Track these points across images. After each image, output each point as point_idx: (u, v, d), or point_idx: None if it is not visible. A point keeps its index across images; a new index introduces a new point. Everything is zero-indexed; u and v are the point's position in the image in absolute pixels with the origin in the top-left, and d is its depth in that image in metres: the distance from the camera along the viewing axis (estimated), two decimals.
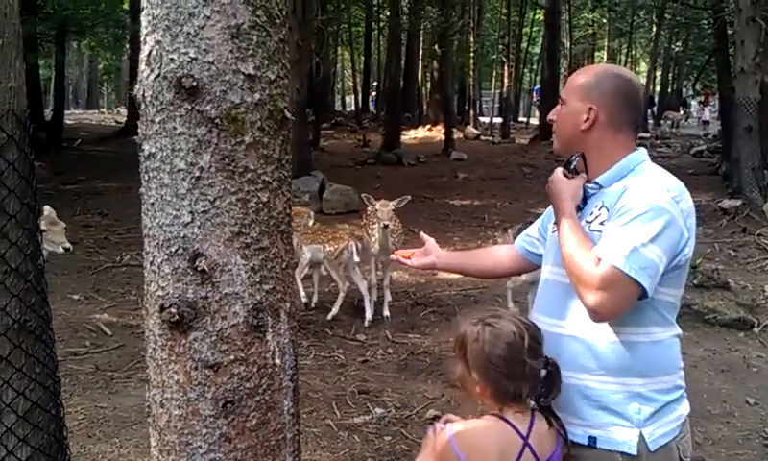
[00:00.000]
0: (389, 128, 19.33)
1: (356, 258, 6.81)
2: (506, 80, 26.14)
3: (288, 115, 1.96)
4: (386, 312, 6.75)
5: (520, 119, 35.19)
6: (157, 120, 1.79)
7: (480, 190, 14.67)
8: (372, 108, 33.61)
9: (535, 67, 36.84)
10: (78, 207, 10.88)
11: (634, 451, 1.96)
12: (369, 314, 6.73)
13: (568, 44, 33.81)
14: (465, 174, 16.44)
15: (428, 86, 31.31)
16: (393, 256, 2.63)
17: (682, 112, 33.52)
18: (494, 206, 13.06)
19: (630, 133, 2.09)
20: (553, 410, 1.94)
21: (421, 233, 2.59)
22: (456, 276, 7.93)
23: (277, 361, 1.91)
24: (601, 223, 1.99)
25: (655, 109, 34.09)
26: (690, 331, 6.40)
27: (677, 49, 36.48)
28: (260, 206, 1.85)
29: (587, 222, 2.05)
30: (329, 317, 6.81)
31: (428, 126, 24.51)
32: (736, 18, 12.50)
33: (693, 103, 38.58)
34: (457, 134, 23.23)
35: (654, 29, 30.28)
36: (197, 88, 1.75)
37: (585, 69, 2.20)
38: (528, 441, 1.88)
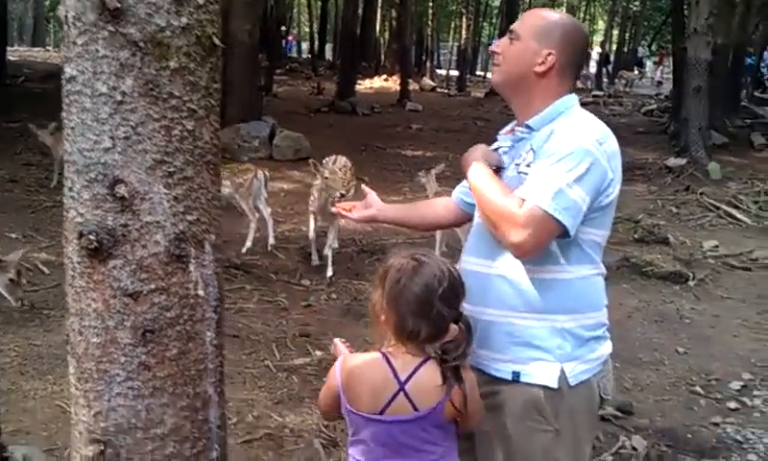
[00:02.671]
0: (343, 76, 19.10)
1: (264, 189, 6.90)
2: (464, 32, 26.00)
3: (217, 42, 1.90)
4: (329, 273, 6.65)
5: (478, 73, 35.11)
6: (80, 42, 1.73)
7: (433, 142, 14.66)
8: (328, 55, 33.18)
9: (494, 21, 36.71)
10: (20, 146, 10.55)
11: (554, 385, 2.01)
12: (315, 257, 6.79)
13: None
14: (418, 125, 16.40)
15: (387, 36, 31.00)
16: (333, 209, 2.64)
17: (637, 72, 33.87)
18: (446, 158, 12.96)
19: (571, 79, 2.12)
20: (461, 373, 1.90)
21: (363, 186, 2.60)
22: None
23: (200, 292, 1.89)
24: (528, 165, 2.01)
25: (610, 67, 34.31)
26: (627, 283, 6.59)
27: (635, 8, 36.68)
28: (185, 134, 1.81)
29: (515, 164, 2.07)
30: (243, 250, 6.87)
31: (384, 76, 24.37)
32: None
33: (649, 63, 39.01)
34: (413, 86, 23.13)
35: None
36: (121, 10, 1.68)
37: (545, 11, 2.20)
38: (404, 386, 1.88)
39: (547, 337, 2.02)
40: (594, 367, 2.08)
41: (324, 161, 6.62)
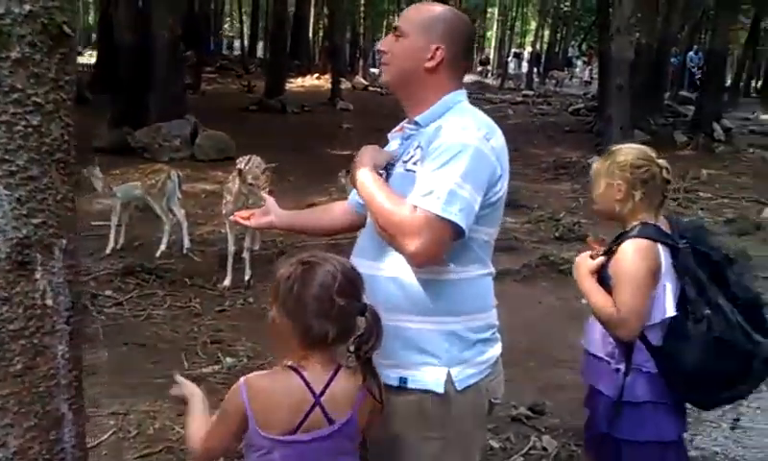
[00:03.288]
0: (273, 74, 18.85)
1: (178, 190, 6.72)
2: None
3: (68, 31, 1.75)
4: (247, 276, 6.41)
5: None
6: None
7: (363, 141, 14.34)
8: (260, 53, 32.75)
9: None
10: None
11: (441, 390, 1.94)
12: (227, 281, 6.31)
13: None
14: (349, 124, 16.29)
15: (321, 35, 30.82)
16: (231, 218, 2.55)
17: (566, 72, 34.53)
18: None
19: (461, 74, 2.08)
20: (373, 367, 1.84)
21: (263, 193, 2.52)
22: None
23: (49, 302, 1.74)
24: (415, 163, 1.96)
25: (541, 67, 34.89)
26: (546, 281, 6.61)
27: (565, 9, 37.39)
28: (29, 130, 1.67)
29: (403, 162, 2.01)
30: (157, 254, 6.65)
31: (317, 75, 24.18)
32: None
33: (578, 63, 39.84)
34: (346, 85, 23.04)
35: None
36: None
37: (427, 5, 2.13)
38: (320, 399, 1.79)
39: (434, 340, 1.96)
40: (483, 370, 2.03)
41: (237, 161, 6.40)
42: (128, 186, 6.72)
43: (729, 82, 27.03)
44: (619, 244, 2.45)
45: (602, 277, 2.49)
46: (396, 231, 1.87)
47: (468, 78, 32.04)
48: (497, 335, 2.11)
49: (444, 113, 2.00)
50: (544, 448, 3.90)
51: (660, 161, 2.49)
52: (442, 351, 1.95)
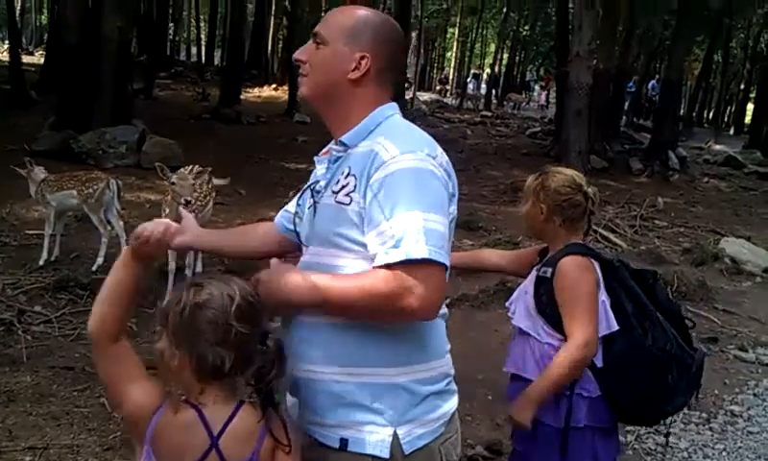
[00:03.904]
0: (228, 82, 18.42)
1: (116, 200, 6.36)
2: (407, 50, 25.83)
3: None
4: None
5: None
6: None
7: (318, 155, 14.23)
8: (218, 61, 32.24)
9: None
10: None
11: (386, 454, 1.67)
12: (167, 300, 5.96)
13: (421, 17, 33.98)
14: (305, 137, 15.93)
15: (280, 45, 30.44)
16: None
17: (524, 95, 34.82)
18: None
19: (390, 86, 1.81)
20: (275, 401, 1.64)
21: (180, 208, 2.25)
22: None
23: None
24: (348, 194, 1.68)
25: (499, 89, 35.10)
26: (503, 308, 6.33)
27: (525, 33, 37.76)
28: None
29: (333, 192, 1.72)
30: (94, 268, 6.20)
31: (274, 85, 23.78)
32: (576, 2, 12.82)
33: (536, 87, 40.25)
34: None
35: (504, 10, 31.15)
36: None
37: (350, 9, 1.86)
38: (218, 442, 1.57)
39: (378, 396, 1.69)
40: (436, 429, 1.76)
41: (179, 172, 5.97)
42: (63, 195, 6.28)
43: (682, 112, 27.59)
44: (547, 265, 2.44)
45: (541, 305, 2.44)
46: (387, 302, 1.59)
47: (428, 96, 32.35)
48: (453, 386, 1.85)
49: (375, 129, 1.74)
50: None
51: (589, 190, 2.48)
52: (386, 407, 1.70)
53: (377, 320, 1.65)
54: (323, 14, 24.13)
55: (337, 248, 1.71)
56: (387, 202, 1.60)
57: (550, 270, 2.42)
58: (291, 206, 2.05)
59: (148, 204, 8.96)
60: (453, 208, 1.73)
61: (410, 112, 22.25)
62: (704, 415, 4.62)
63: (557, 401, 2.41)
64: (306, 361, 1.73)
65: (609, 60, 15.48)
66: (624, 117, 25.07)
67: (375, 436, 1.68)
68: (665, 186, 13.98)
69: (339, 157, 1.77)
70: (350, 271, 1.67)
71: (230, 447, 1.60)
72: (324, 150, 1.87)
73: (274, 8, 28.03)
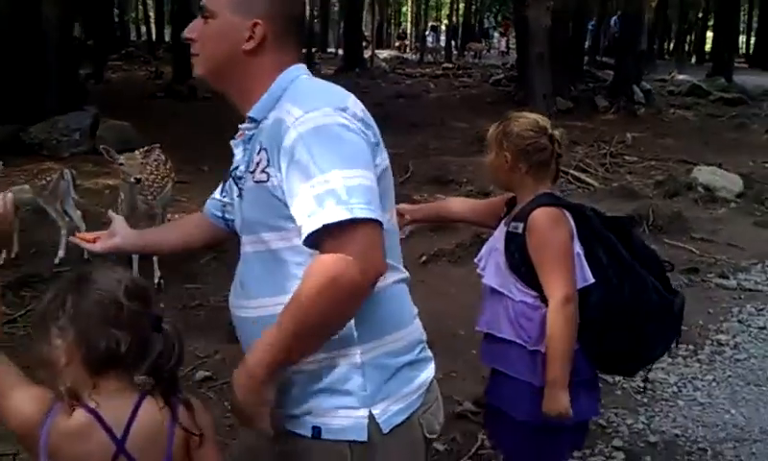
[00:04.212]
0: (179, 57, 17.82)
1: (72, 190, 6.10)
2: (307, 7, 25.32)
3: None
4: (156, 278, 5.75)
5: (329, 50, 34.54)
6: None
7: None
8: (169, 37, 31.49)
9: None
10: None
11: (363, 437, 1.54)
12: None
13: None
14: None
15: None
16: (72, 239, 2.10)
17: (484, 44, 34.54)
18: None
19: (294, 49, 1.65)
20: (178, 390, 1.52)
21: (110, 212, 2.10)
22: None
23: None
24: (263, 170, 1.52)
25: (458, 40, 34.79)
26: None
27: None
28: None
29: (250, 173, 1.57)
30: (56, 261, 5.95)
31: None
32: None
33: (495, 34, 39.97)
34: None
35: None
36: None
37: None
38: (123, 445, 1.42)
39: (346, 376, 1.55)
40: (413, 402, 1.63)
41: (127, 153, 5.68)
42: (15, 190, 5.99)
43: (644, 45, 27.55)
44: (517, 220, 2.31)
45: (513, 262, 2.31)
46: (337, 287, 1.40)
47: (387, 54, 31.93)
48: (427, 353, 1.71)
49: (281, 97, 1.58)
50: (494, 447, 3.53)
51: (554, 132, 2.34)
52: (357, 387, 1.56)
53: (345, 312, 1.47)
54: None
55: (271, 230, 1.55)
56: (300, 167, 1.44)
57: (521, 225, 2.29)
58: (218, 193, 1.91)
59: (107, 189, 8.67)
60: (381, 158, 1.58)
61: (370, 72, 21.98)
62: (690, 347, 4.55)
63: (534, 359, 2.30)
64: None
65: (566, 0, 15.26)
66: (586, 56, 25.03)
67: (349, 420, 1.55)
68: (633, 121, 13.91)
69: (252, 135, 1.61)
70: (291, 250, 1.52)
71: (140, 447, 1.45)
72: (239, 132, 1.70)
73: None
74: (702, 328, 4.84)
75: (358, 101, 1.58)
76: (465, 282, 5.77)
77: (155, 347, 1.47)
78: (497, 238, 2.39)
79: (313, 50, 27.36)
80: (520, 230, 2.27)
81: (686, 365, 4.35)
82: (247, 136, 1.63)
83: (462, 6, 38.84)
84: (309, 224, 1.41)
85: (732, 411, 3.86)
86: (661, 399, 4.01)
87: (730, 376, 4.21)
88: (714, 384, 4.15)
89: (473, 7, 40.84)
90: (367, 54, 24.62)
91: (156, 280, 5.68)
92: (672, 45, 39.00)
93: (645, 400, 3.94)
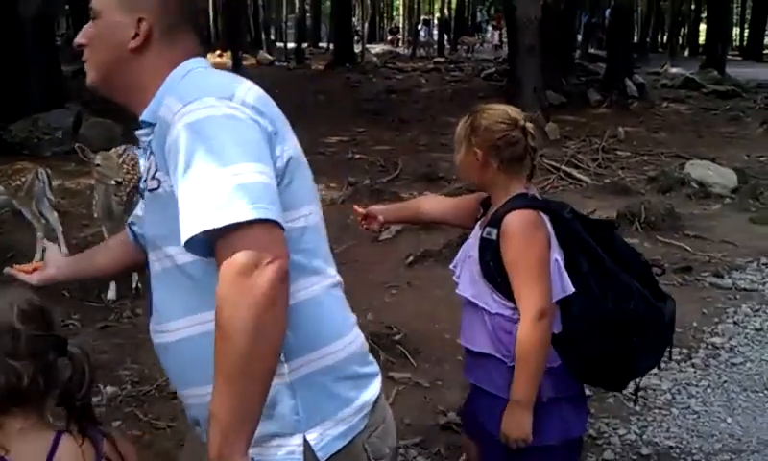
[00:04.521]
0: None
1: (48, 190, 5.94)
2: (296, 2, 25.16)
3: None
4: (134, 282, 5.51)
5: (321, 45, 34.31)
6: None
7: None
8: None
9: None
10: None
11: None
12: (112, 292, 5.42)
13: None
14: None
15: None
16: (8, 271, 1.90)
17: (476, 37, 34.38)
18: None
19: (189, 44, 1.50)
20: (96, 421, 1.39)
21: (44, 241, 1.94)
22: None
23: None
24: (153, 176, 1.38)
25: (451, 33, 34.60)
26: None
27: None
28: None
29: (143, 181, 1.45)
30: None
31: (219, 51, 23.04)
32: None
33: (489, 28, 39.79)
34: (250, 61, 22.09)
35: None
36: None
37: None
38: None
39: (275, 400, 1.38)
40: (356, 423, 1.46)
41: (103, 152, 5.47)
42: None
43: (636, 38, 27.43)
44: (491, 224, 2.13)
45: (488, 271, 2.13)
46: (246, 305, 1.22)
47: (379, 48, 31.74)
48: (370, 367, 1.54)
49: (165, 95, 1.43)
50: None
51: (527, 125, 2.16)
52: (288, 411, 1.40)
53: (268, 327, 1.26)
54: None
55: (173, 244, 1.36)
56: (182, 166, 1.28)
57: (495, 231, 2.10)
58: (139, 208, 1.74)
59: (89, 190, 8.46)
60: (283, 148, 1.40)
61: (360, 66, 21.80)
62: (684, 351, 4.39)
63: (510, 376, 2.12)
64: (190, 384, 1.44)
65: None
66: (578, 49, 24.88)
67: (283, 449, 1.39)
68: (625, 115, 13.77)
69: (150, 140, 1.44)
70: (199, 263, 1.35)
71: None
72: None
73: None
74: (696, 331, 4.68)
75: (256, 88, 1.42)
76: (452, 284, 5.56)
77: (62, 373, 1.32)
78: (472, 244, 2.22)
79: (304, 45, 27.17)
80: (494, 237, 2.10)
81: (680, 370, 4.19)
82: (145, 143, 1.48)
83: (454, 0, 38.69)
84: (191, 228, 1.24)
85: (729, 420, 3.71)
86: (654, 407, 3.85)
87: (725, 382, 4.06)
88: (709, 391, 4.00)
89: (466, 0, 40.68)
90: (358, 48, 24.44)
91: (134, 285, 5.51)
92: (666, 38, 38.85)
93: (638, 408, 3.78)
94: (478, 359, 2.22)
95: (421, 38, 31.84)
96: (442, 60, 25.40)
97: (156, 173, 1.38)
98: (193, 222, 1.23)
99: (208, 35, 25.21)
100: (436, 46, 30.85)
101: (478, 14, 40.45)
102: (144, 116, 1.45)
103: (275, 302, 1.23)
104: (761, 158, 10.26)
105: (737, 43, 39.41)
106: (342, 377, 1.45)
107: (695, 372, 4.18)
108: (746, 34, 38.18)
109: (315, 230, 1.47)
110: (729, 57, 23.14)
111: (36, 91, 10.04)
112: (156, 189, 1.38)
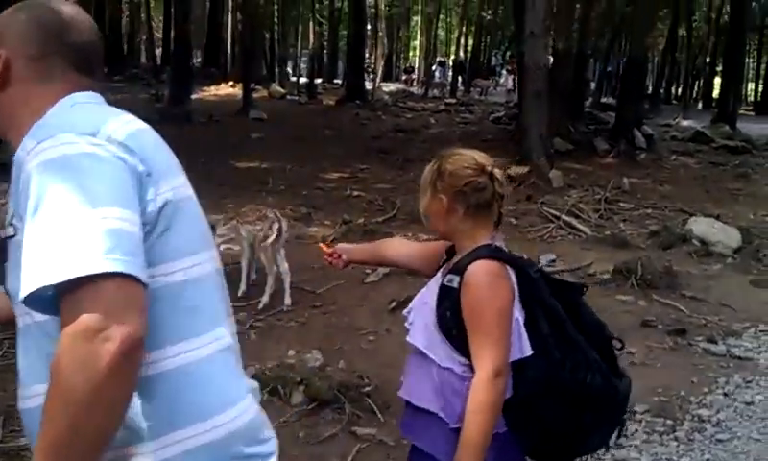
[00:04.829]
0: (177, 82, 17.70)
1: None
2: (311, 37, 25.25)
3: None
4: None
5: (336, 81, 34.40)
6: None
7: (272, 152, 13.63)
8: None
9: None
10: None
11: None
12: None
13: (383, 6, 33.50)
14: (259, 134, 15.35)
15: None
16: None
17: (490, 80, 34.39)
18: (283, 170, 12.16)
19: (70, 75, 1.36)
20: None
21: None
22: (221, 248, 6.94)
23: None
24: (10, 223, 1.21)
25: (465, 75, 34.64)
26: None
27: (488, 17, 37.36)
28: None
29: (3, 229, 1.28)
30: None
31: (231, 82, 23.11)
32: None
33: (503, 72, 39.87)
34: (262, 93, 22.10)
35: None
36: None
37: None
38: None
39: None
40: None
41: None
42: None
43: (651, 89, 27.37)
44: (453, 272, 2.01)
45: (444, 322, 1.99)
46: (86, 373, 1.04)
47: (393, 86, 31.75)
48: (263, 447, 1.35)
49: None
50: None
51: (495, 171, 2.07)
52: None
53: (108, 402, 1.08)
54: (275, 8, 23.57)
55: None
56: (29, 213, 1.12)
57: (457, 279, 1.97)
58: None
59: None
60: (158, 191, 1.24)
61: (370, 104, 21.77)
62: (668, 422, 4.14)
63: (457, 439, 1.93)
64: None
65: (568, 39, 15.00)
66: (590, 98, 24.78)
67: None
68: (632, 166, 13.55)
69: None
70: (58, 326, 1.15)
71: None
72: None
73: (231, 4, 27.30)
74: (683, 400, 4.42)
75: (134, 124, 1.28)
76: None
77: None
78: (431, 290, 2.07)
79: (318, 80, 27.26)
80: (456, 285, 1.96)
81: (662, 443, 3.93)
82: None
83: (471, 42, 38.84)
84: (30, 283, 1.08)
85: None
86: None
87: (708, 460, 3.80)
88: None
89: (482, 44, 40.82)
90: (368, 86, 24.46)
91: None
92: (680, 90, 38.78)
93: None
94: (419, 415, 2.06)
95: (436, 79, 31.88)
96: (453, 101, 25.34)
97: (12, 219, 1.23)
98: (33, 276, 1.07)
99: (122, 65, 24.97)
100: (449, 87, 30.85)
101: (493, 58, 40.54)
102: (17, 158, 1.29)
103: (118, 374, 1.06)
104: (767, 218, 10.02)
105: (753, 99, 39.28)
106: (220, 459, 1.26)
107: (678, 446, 3.92)
108: (760, 89, 38.11)
109: (199, 285, 1.30)
110: (742, 112, 22.97)
111: None
112: (12, 237, 1.22)
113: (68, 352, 1.04)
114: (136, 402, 1.18)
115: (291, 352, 4.84)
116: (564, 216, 9.22)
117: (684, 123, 20.50)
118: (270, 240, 5.74)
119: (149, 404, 1.20)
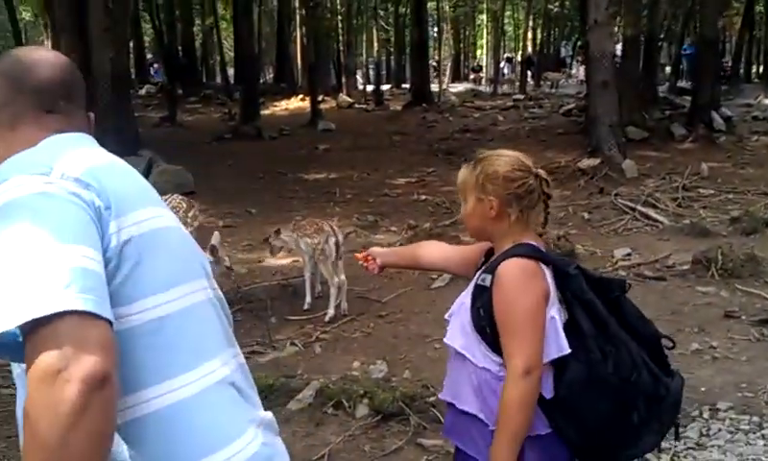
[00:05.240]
0: (246, 99, 18.10)
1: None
2: (375, 43, 25.38)
3: None
4: None
5: (404, 85, 34.42)
6: None
7: (340, 162, 13.76)
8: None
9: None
10: None
11: None
12: None
13: (447, 8, 33.39)
14: (326, 145, 15.49)
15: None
16: None
17: (562, 72, 33.76)
18: (350, 179, 12.22)
19: (41, 118, 1.33)
20: None
21: None
22: (285, 261, 7.03)
23: None
24: None
25: (534, 69, 34.10)
26: None
27: (555, 9, 36.75)
28: None
29: None
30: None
31: (301, 96, 23.43)
32: None
33: (575, 63, 39.07)
34: (330, 104, 22.32)
35: None
36: None
37: None
38: None
39: None
40: None
41: None
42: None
43: (729, 68, 26.24)
44: (487, 271, 1.97)
45: (478, 320, 1.95)
46: (52, 413, 1.00)
47: (462, 87, 31.54)
48: None
49: None
50: None
51: (540, 172, 2.04)
52: None
53: (76, 446, 1.02)
54: (339, 18, 23.71)
55: None
56: None
57: (489, 277, 1.93)
58: None
59: None
60: (121, 225, 1.19)
61: (437, 106, 21.68)
62: (755, 419, 3.90)
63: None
64: None
65: (636, 25, 14.52)
66: (667, 82, 23.95)
67: None
68: (711, 150, 13.01)
69: None
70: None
71: None
72: None
73: (298, 19, 27.72)
74: None
75: (97, 156, 1.26)
76: None
77: None
78: (468, 291, 2.03)
79: (386, 86, 27.34)
80: (488, 284, 1.93)
81: (748, 442, 3.70)
82: None
83: (539, 36, 38.25)
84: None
85: None
86: None
87: None
88: None
89: (550, 37, 40.15)
90: (434, 87, 24.36)
91: None
92: (762, 68, 37.06)
93: None
94: (461, 417, 2.03)
95: (505, 76, 31.47)
96: (521, 96, 24.94)
97: None
98: (19, 310, 1.03)
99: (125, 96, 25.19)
100: (518, 83, 30.44)
101: (563, 50, 39.83)
102: None
103: (83, 415, 1.00)
104: None
105: None
106: None
107: (765, 445, 3.68)
108: None
109: (182, 318, 1.25)
110: None
111: (108, 142, 10.35)
112: None
113: (30, 398, 1.01)
114: (123, 449, 1.15)
115: (356, 364, 4.81)
116: (639, 207, 8.91)
117: (767, 101, 19.55)
118: (331, 259, 5.74)
119: (136, 450, 1.16)
